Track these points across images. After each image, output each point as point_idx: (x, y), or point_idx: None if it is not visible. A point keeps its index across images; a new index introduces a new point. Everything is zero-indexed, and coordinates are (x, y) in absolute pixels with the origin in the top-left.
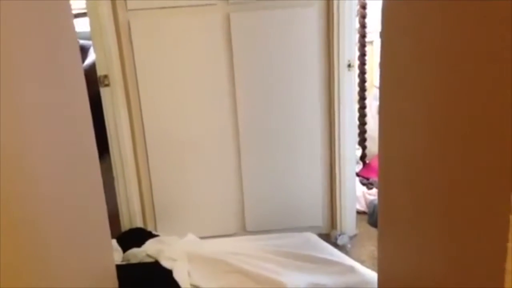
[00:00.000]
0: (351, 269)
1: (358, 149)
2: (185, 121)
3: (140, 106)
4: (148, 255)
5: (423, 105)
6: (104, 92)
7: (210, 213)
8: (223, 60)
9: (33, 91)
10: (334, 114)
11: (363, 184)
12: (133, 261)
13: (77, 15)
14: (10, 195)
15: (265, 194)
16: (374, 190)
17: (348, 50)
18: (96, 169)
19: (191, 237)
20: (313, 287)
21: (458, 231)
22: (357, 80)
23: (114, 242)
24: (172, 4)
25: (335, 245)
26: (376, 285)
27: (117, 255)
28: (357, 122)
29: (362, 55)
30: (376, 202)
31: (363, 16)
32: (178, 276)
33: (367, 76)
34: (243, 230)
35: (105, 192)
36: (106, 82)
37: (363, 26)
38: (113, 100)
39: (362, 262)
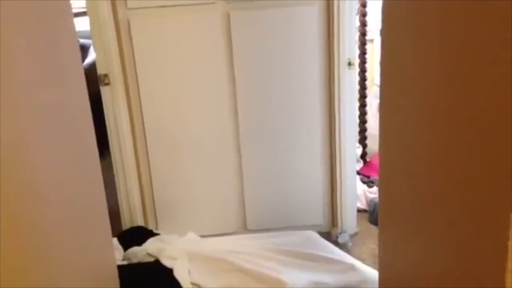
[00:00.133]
0: (352, 267)
1: (359, 147)
2: (185, 119)
3: (140, 105)
4: (149, 254)
5: (423, 103)
6: (104, 91)
7: (211, 211)
8: (223, 58)
9: (33, 90)
10: (334, 113)
11: (364, 182)
12: (134, 259)
13: (77, 14)
14: (10, 193)
15: (266, 192)
16: (375, 188)
17: (349, 48)
18: (96, 167)
19: (191, 235)
20: (314, 286)
21: (459, 229)
22: (357, 78)
23: (115, 240)
24: (172, 3)
25: (336, 243)
26: (377, 283)
27: (118, 254)
28: (358, 120)
29: (363, 53)
30: (376, 200)
31: (363, 14)
32: (178, 274)
33: (367, 74)
34: (244, 228)
35: (106, 189)
36: (106, 81)
37: (363, 24)
38: (113, 99)
39: (363, 260)
